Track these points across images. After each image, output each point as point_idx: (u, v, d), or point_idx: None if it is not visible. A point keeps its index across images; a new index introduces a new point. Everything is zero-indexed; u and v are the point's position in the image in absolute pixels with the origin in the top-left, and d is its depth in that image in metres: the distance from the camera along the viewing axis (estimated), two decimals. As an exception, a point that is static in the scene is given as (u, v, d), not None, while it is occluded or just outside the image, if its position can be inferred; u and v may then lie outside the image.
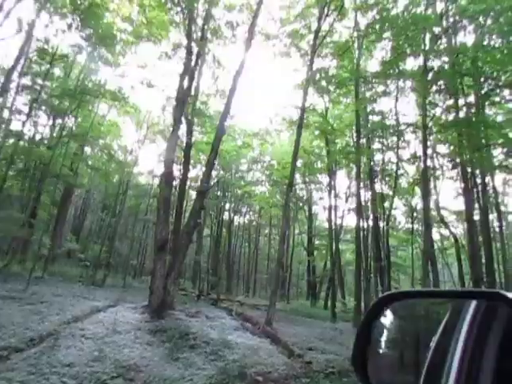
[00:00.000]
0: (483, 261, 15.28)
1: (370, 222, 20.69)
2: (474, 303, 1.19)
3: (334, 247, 20.58)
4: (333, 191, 22.63)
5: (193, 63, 13.71)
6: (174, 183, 19.07)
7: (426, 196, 14.11)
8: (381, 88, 17.33)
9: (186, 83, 13.20)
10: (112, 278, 21.88)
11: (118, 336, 7.89)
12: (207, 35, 17.19)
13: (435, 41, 13.68)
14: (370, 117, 20.51)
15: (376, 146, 21.67)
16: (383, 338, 1.47)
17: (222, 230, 32.34)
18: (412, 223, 20.99)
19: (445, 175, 20.72)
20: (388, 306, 1.38)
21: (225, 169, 28.59)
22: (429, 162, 19.54)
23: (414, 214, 21.16)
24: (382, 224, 20.38)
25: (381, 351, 1.45)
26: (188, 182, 21.88)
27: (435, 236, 22.13)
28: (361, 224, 18.63)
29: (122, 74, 21.43)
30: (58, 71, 22.00)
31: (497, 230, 18.68)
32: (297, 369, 7.73)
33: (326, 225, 24.02)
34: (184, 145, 16.53)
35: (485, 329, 1.11)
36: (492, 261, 15.71)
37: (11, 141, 18.24)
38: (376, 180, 21.54)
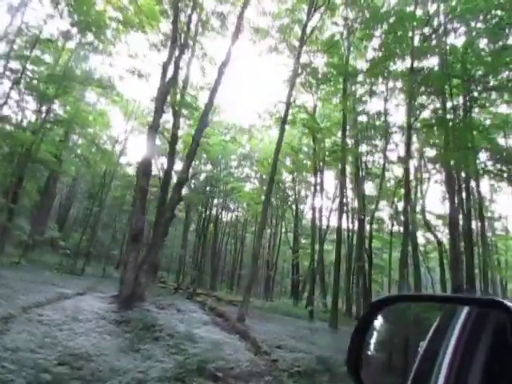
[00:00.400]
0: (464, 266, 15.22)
1: (356, 223, 20.65)
2: (466, 309, 1.15)
3: (316, 247, 20.46)
4: (318, 191, 22.48)
5: (178, 53, 13.44)
6: (160, 174, 18.87)
7: (407, 196, 14.01)
8: (370, 87, 17.23)
9: (170, 72, 12.95)
10: (92, 268, 21.62)
11: (77, 324, 7.67)
12: (198, 26, 16.98)
13: (423, 40, 13.57)
14: (360, 118, 20.43)
15: (364, 147, 21.61)
16: (377, 343, 1.46)
17: (209, 226, 32.12)
18: (392, 225, 20.97)
19: (431, 179, 20.75)
20: (383, 310, 1.37)
21: (213, 164, 28.36)
22: (416, 164, 19.58)
23: (401, 218, 21.12)
24: (367, 225, 20.32)
25: (375, 355, 1.45)
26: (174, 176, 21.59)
27: (420, 240, 22.16)
28: (344, 224, 18.54)
29: (112, 63, 21.17)
30: (47, 57, 21.70)
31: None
32: (261, 366, 7.54)
33: (313, 224, 23.83)
34: (170, 137, 16.26)
35: (475, 336, 1.08)
36: (473, 267, 15.65)
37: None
38: (364, 181, 21.48)
